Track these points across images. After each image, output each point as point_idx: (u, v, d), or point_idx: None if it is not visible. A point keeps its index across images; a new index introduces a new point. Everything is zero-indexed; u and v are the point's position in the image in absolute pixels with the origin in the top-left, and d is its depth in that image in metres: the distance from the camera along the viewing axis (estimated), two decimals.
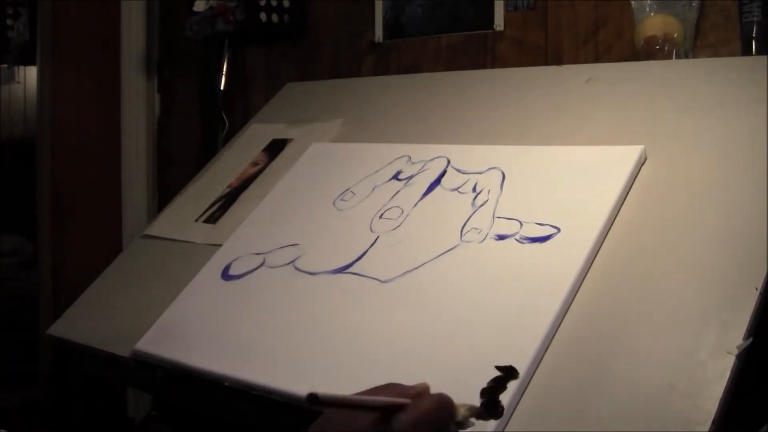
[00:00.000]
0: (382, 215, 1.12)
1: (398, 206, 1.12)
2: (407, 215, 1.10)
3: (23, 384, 2.12)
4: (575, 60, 1.45)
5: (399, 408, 0.65)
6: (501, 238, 0.98)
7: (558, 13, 1.49)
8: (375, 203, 1.15)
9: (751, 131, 0.97)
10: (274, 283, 1.10)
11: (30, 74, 2.11)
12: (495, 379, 0.80)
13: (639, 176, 0.99)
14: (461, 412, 0.69)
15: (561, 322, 0.85)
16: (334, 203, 1.19)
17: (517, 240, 0.96)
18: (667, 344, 0.79)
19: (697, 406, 0.71)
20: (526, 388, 0.79)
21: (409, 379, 0.84)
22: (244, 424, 1.06)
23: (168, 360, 1.06)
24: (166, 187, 2.26)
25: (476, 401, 0.78)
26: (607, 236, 0.93)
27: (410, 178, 1.16)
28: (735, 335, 0.76)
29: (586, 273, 0.89)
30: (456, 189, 1.10)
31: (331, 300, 1.02)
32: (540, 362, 0.82)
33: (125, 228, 2.25)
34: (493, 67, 1.57)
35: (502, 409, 0.76)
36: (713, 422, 0.70)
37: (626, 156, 1.00)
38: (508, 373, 0.80)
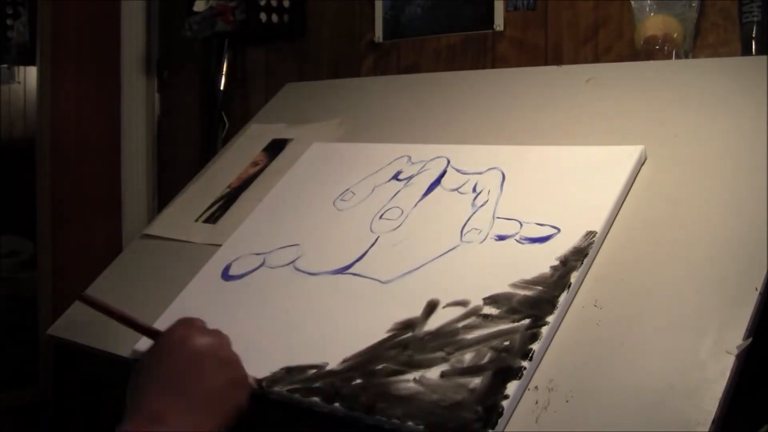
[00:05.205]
0: (382, 215, 1.12)
1: (398, 206, 1.12)
2: (407, 215, 1.10)
3: (23, 384, 2.11)
4: (575, 60, 1.46)
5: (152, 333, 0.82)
6: (501, 238, 0.98)
7: (558, 13, 1.49)
8: (375, 203, 1.15)
9: (751, 131, 0.97)
10: (274, 284, 1.09)
11: (30, 74, 2.11)
12: (495, 380, 0.80)
13: (639, 176, 0.99)
14: None
15: (561, 322, 0.85)
16: (334, 203, 1.19)
17: (517, 240, 0.96)
18: (667, 344, 0.79)
19: (697, 406, 0.71)
20: (526, 389, 0.80)
21: (409, 381, 0.85)
22: (243, 424, 1.06)
23: None
24: (166, 187, 2.26)
25: (476, 402, 0.78)
26: (607, 236, 0.93)
27: (410, 178, 1.16)
28: (735, 335, 0.76)
29: (586, 273, 0.89)
30: (456, 189, 1.10)
31: (332, 300, 1.02)
32: (540, 362, 0.82)
33: (125, 228, 2.25)
34: (493, 67, 1.57)
35: (502, 410, 0.76)
36: (713, 422, 0.70)
37: (626, 156, 1.00)
38: (508, 374, 0.80)
